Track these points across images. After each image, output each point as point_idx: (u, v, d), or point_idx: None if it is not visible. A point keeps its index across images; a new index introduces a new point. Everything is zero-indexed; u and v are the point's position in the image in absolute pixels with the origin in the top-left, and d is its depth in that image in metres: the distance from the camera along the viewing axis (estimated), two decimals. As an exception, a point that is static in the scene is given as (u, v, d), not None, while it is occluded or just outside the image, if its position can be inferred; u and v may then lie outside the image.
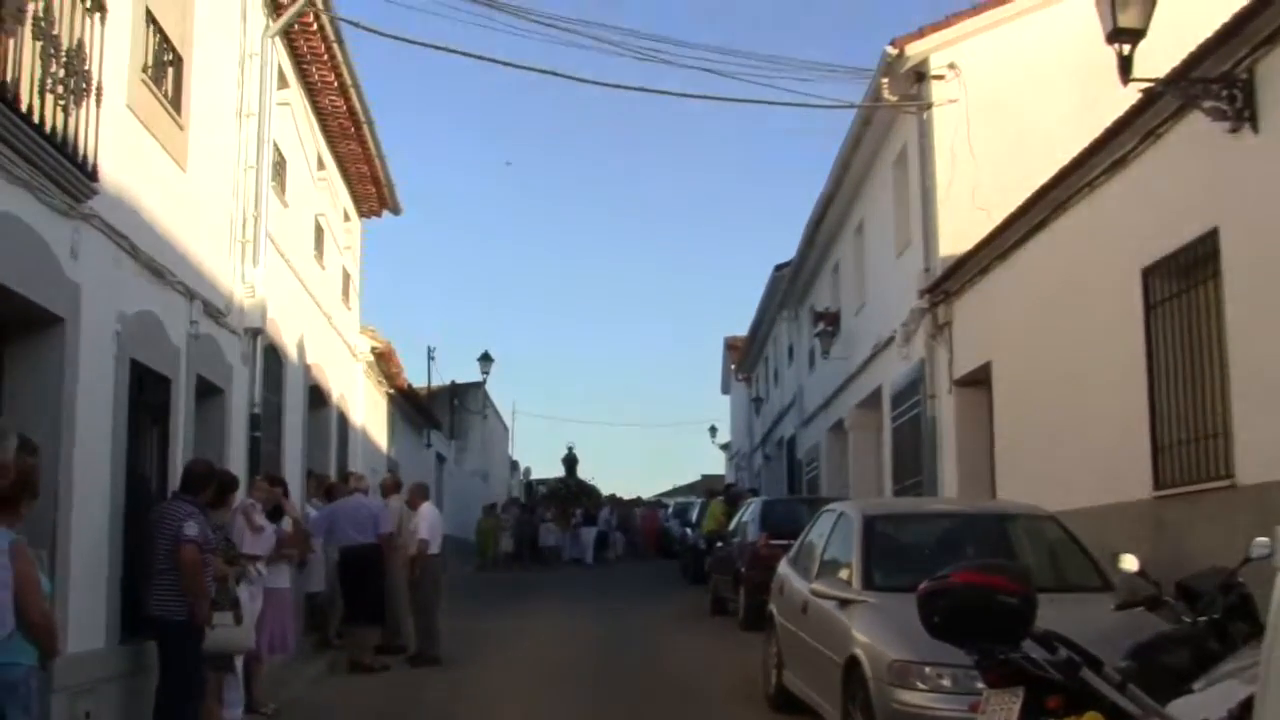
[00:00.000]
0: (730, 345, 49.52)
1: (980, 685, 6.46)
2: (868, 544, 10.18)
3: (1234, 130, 9.53)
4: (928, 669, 8.09)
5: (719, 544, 22.72)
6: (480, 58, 14.99)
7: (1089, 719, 5.42)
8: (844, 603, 9.59)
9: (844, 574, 10.11)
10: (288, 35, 14.68)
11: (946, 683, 7.99)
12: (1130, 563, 8.14)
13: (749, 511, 21.13)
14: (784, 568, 12.24)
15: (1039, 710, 5.96)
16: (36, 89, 7.38)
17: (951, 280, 16.56)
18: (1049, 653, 6.10)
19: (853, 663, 8.88)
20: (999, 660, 6.24)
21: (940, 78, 17.19)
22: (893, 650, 8.37)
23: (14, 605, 6.00)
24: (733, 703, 12.32)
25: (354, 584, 15.28)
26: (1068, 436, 12.95)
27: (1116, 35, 9.95)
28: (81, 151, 7.99)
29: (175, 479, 10.22)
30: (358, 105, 17.26)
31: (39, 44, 7.41)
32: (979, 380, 16.06)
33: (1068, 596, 9.40)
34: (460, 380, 40.82)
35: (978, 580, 6.31)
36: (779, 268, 32.37)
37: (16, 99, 7.11)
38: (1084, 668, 5.80)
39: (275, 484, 12.35)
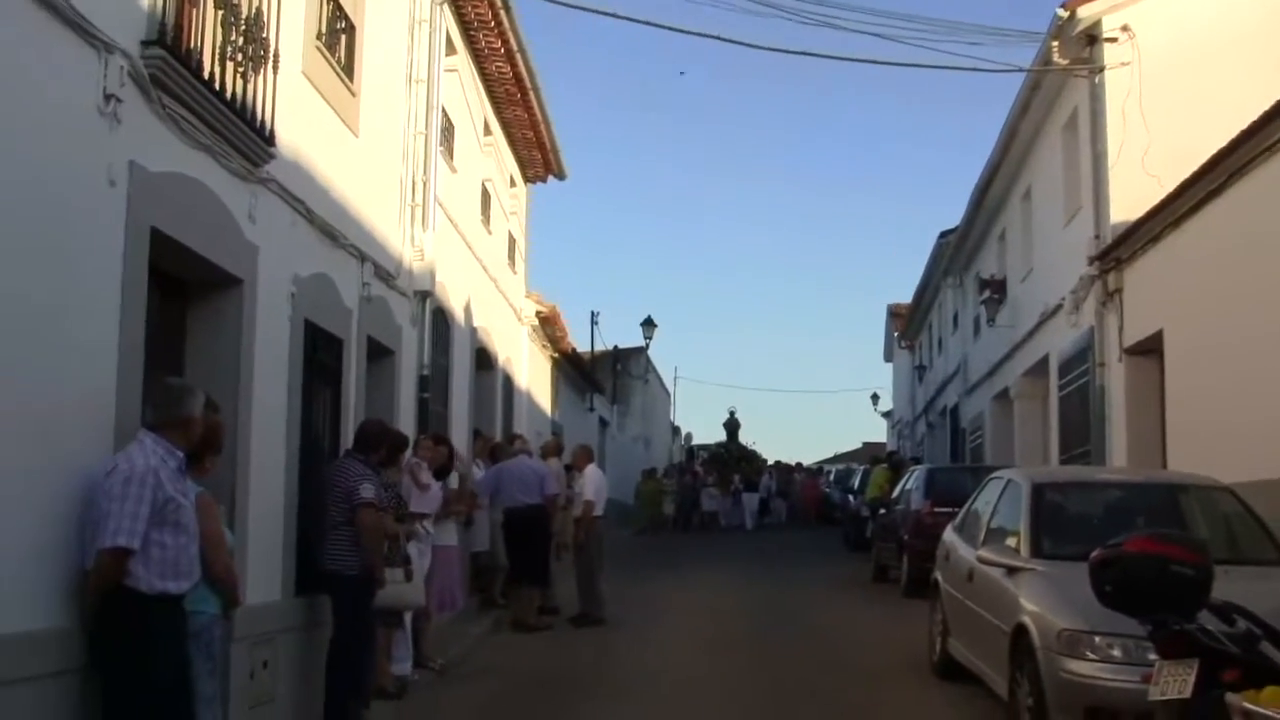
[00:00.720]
0: (894, 312, 49.04)
1: (1152, 656, 6.35)
2: (1036, 511, 10.02)
3: None
4: (1098, 638, 7.94)
5: (882, 511, 22.57)
6: (646, 23, 14.96)
7: (1271, 693, 5.28)
8: (1012, 570, 9.46)
9: (1012, 542, 9.97)
10: (456, 1, 14.86)
11: (1117, 653, 7.85)
12: (1313, 536, 7.91)
13: (913, 479, 20.95)
14: (949, 535, 12.12)
15: (1214, 683, 5.84)
16: (217, 57, 7.57)
17: (1123, 247, 16.19)
18: (1226, 625, 5.97)
19: (1020, 631, 8.75)
20: (1173, 631, 6.12)
21: (1113, 40, 16.78)
22: (1062, 619, 8.23)
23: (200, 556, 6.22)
24: (897, 671, 12.24)
25: (518, 544, 15.50)
26: (1244, 406, 12.58)
27: (1303, -9, 9.62)
28: (259, 117, 8.17)
29: (347, 438, 10.46)
30: (524, 71, 17.41)
31: (220, 13, 7.60)
32: (1150, 349, 15.69)
33: (1243, 569, 9.16)
34: (623, 345, 41.08)
35: (1152, 549, 6.19)
36: (944, 234, 31.94)
37: (200, 67, 7.30)
38: (1264, 641, 5.66)
39: (440, 443, 12.55)
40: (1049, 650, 8.22)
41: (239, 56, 7.85)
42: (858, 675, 12.14)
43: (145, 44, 6.69)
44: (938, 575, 12.07)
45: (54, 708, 5.82)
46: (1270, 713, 5.13)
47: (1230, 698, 5.45)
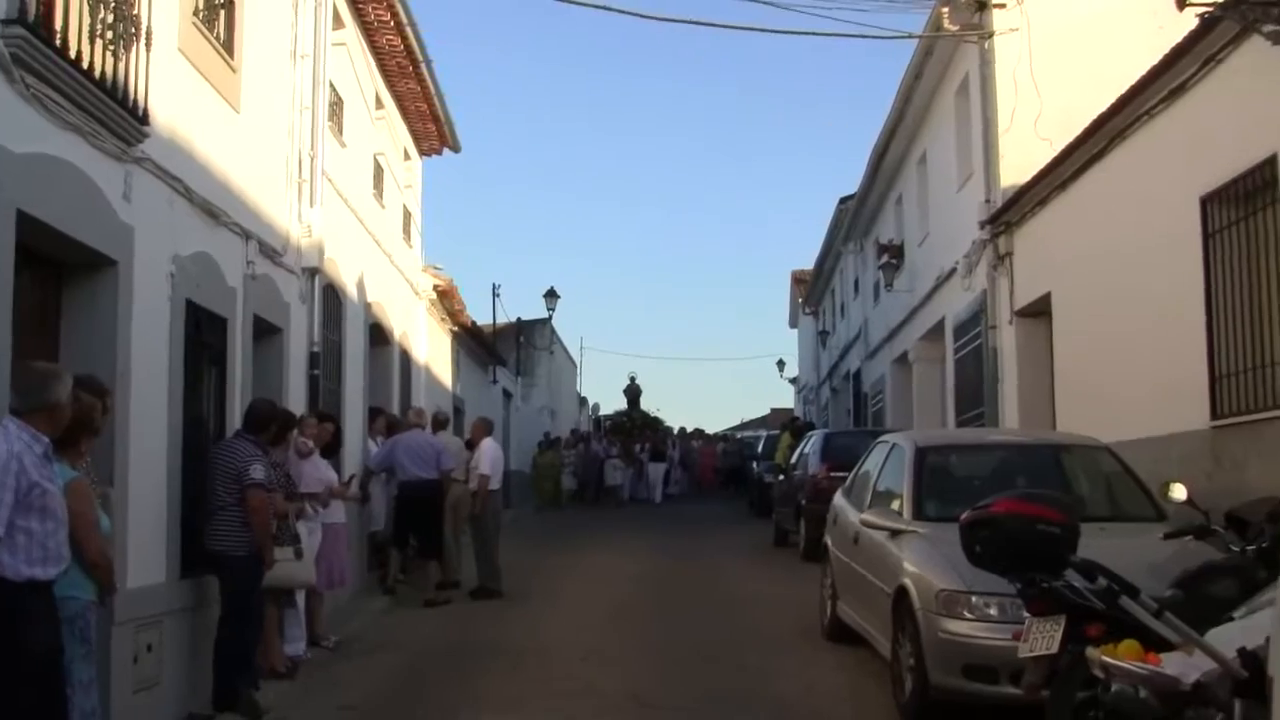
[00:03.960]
0: (797, 279, 49.39)
1: (1027, 614, 6.51)
2: (919, 474, 10.20)
3: (1293, 53, 9.37)
4: (975, 598, 8.12)
5: (780, 478, 22.81)
6: (534, -7, 14.84)
7: (1126, 646, 5.43)
8: (894, 533, 9.64)
9: (895, 505, 10.16)
10: (343, -25, 14.72)
11: (994, 612, 8.03)
12: (1179, 492, 8.12)
13: (810, 444, 21.19)
14: (838, 499, 12.30)
15: (1079, 638, 6.00)
16: (85, 36, 7.46)
17: (1012, 211, 16.45)
18: (1089, 581, 6.12)
19: (902, 593, 8.92)
20: (1041, 589, 6.29)
21: (1001, 6, 16.98)
22: (940, 580, 8.40)
23: (71, 542, 6.15)
24: (788, 635, 12.42)
25: (412, 519, 15.49)
26: (1126, 366, 12.86)
27: (1174, -41, 9.81)
28: (132, 96, 8.06)
29: (233, 417, 10.40)
30: (414, 44, 17.26)
31: (85, -10, 7.49)
32: (1040, 311, 15.96)
33: (1121, 526, 9.41)
34: (526, 317, 40.96)
35: (1019, 509, 6.35)
36: (844, 200, 32.20)
37: (65, 46, 7.19)
38: (1122, 596, 5.81)
39: (325, 420, 12.49)
40: (928, 611, 8.40)
41: (109, 35, 7.74)
42: (752, 640, 12.30)
43: (5, 23, 6.57)
44: (828, 539, 12.24)
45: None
46: (1126, 664, 5.28)
47: (1090, 652, 5.60)
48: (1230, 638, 5.14)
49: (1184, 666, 5.15)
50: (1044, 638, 6.24)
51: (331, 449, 12.60)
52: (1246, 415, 10.47)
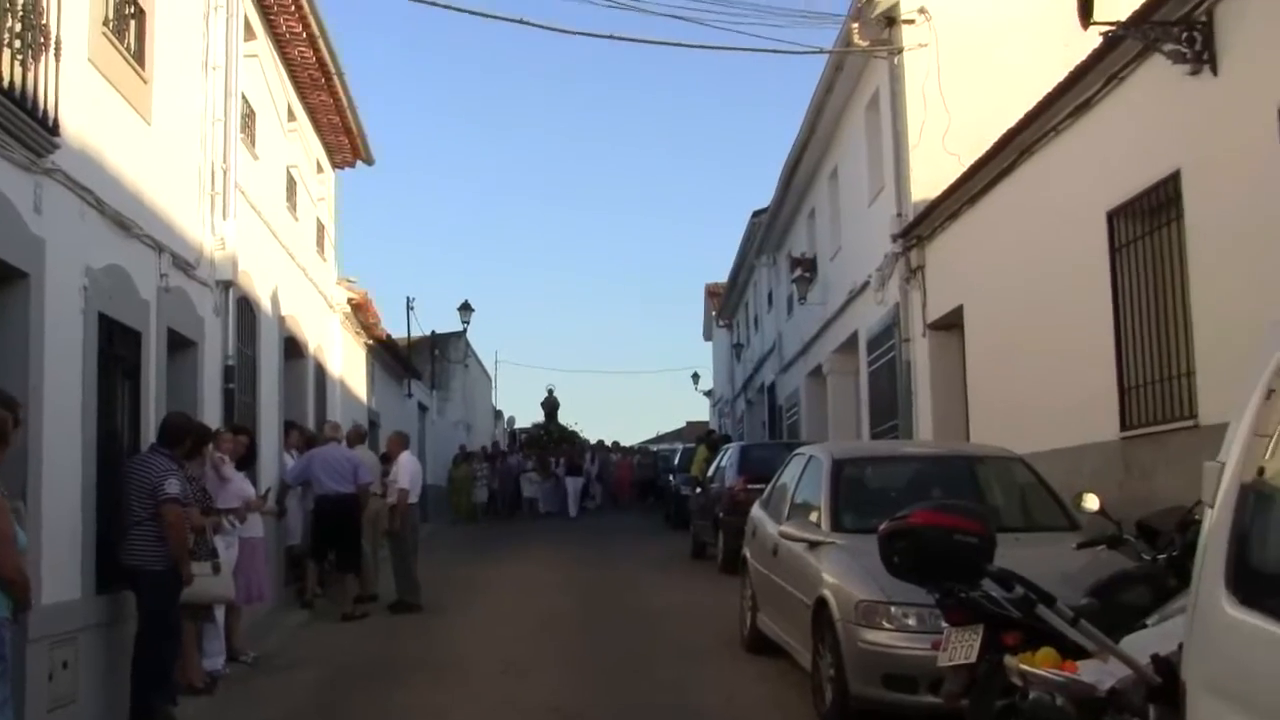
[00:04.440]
0: (711, 292, 49.51)
1: (945, 624, 6.58)
2: (836, 486, 10.29)
3: (1194, 73, 9.59)
4: (894, 609, 8.21)
5: (698, 490, 22.88)
6: (449, 7, 14.85)
7: (1043, 654, 5.51)
8: (813, 545, 9.70)
9: (813, 516, 10.23)
10: (254, -15, 14.60)
11: (912, 622, 8.12)
12: (1091, 502, 8.24)
13: (727, 456, 21.26)
14: (757, 511, 12.36)
15: (997, 647, 6.08)
16: (-7, 45, 7.37)
17: (923, 225, 16.64)
18: (1006, 591, 6.20)
19: (821, 604, 8.99)
20: (959, 599, 6.36)
21: (910, 22, 17.17)
22: (860, 591, 8.48)
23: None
24: (709, 646, 12.44)
25: (329, 532, 15.38)
26: (1038, 378, 13.05)
27: (1077, -22, 10.00)
28: (41, 106, 7.95)
29: (148, 432, 10.27)
30: (327, 56, 17.15)
31: (-7, 0, 7.39)
32: (952, 324, 16.15)
33: (1036, 536, 9.54)
34: (441, 330, 40.80)
35: (936, 520, 6.40)
36: (757, 214, 32.34)
37: (-28, 55, 7.10)
38: (1039, 604, 5.90)
39: (240, 433, 12.38)
40: (848, 621, 8.47)
41: (17, 44, 7.64)
42: (673, 652, 12.32)
43: (-89, 33, 6.49)
44: (746, 551, 12.30)
45: None
46: (1043, 672, 5.36)
47: (1008, 660, 5.67)
48: (1144, 644, 5.23)
49: (1100, 673, 5.23)
50: (962, 647, 6.31)
51: (246, 462, 12.48)
52: (1154, 426, 10.68)
